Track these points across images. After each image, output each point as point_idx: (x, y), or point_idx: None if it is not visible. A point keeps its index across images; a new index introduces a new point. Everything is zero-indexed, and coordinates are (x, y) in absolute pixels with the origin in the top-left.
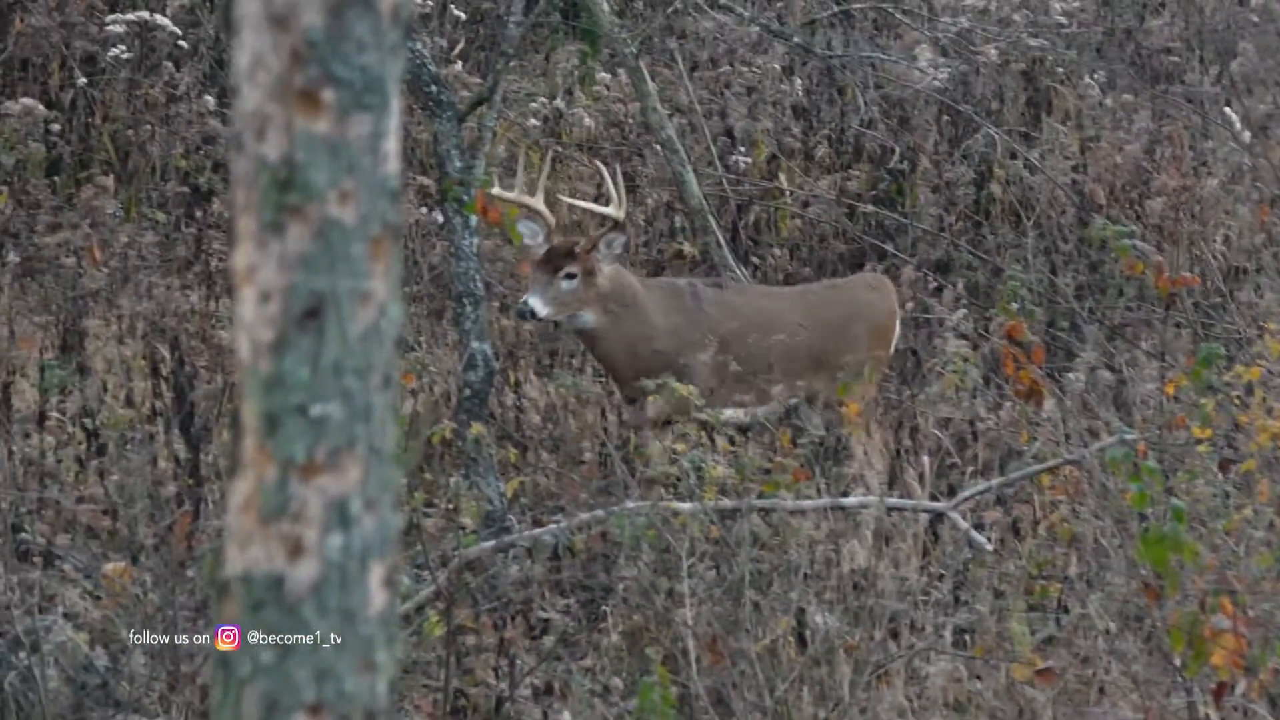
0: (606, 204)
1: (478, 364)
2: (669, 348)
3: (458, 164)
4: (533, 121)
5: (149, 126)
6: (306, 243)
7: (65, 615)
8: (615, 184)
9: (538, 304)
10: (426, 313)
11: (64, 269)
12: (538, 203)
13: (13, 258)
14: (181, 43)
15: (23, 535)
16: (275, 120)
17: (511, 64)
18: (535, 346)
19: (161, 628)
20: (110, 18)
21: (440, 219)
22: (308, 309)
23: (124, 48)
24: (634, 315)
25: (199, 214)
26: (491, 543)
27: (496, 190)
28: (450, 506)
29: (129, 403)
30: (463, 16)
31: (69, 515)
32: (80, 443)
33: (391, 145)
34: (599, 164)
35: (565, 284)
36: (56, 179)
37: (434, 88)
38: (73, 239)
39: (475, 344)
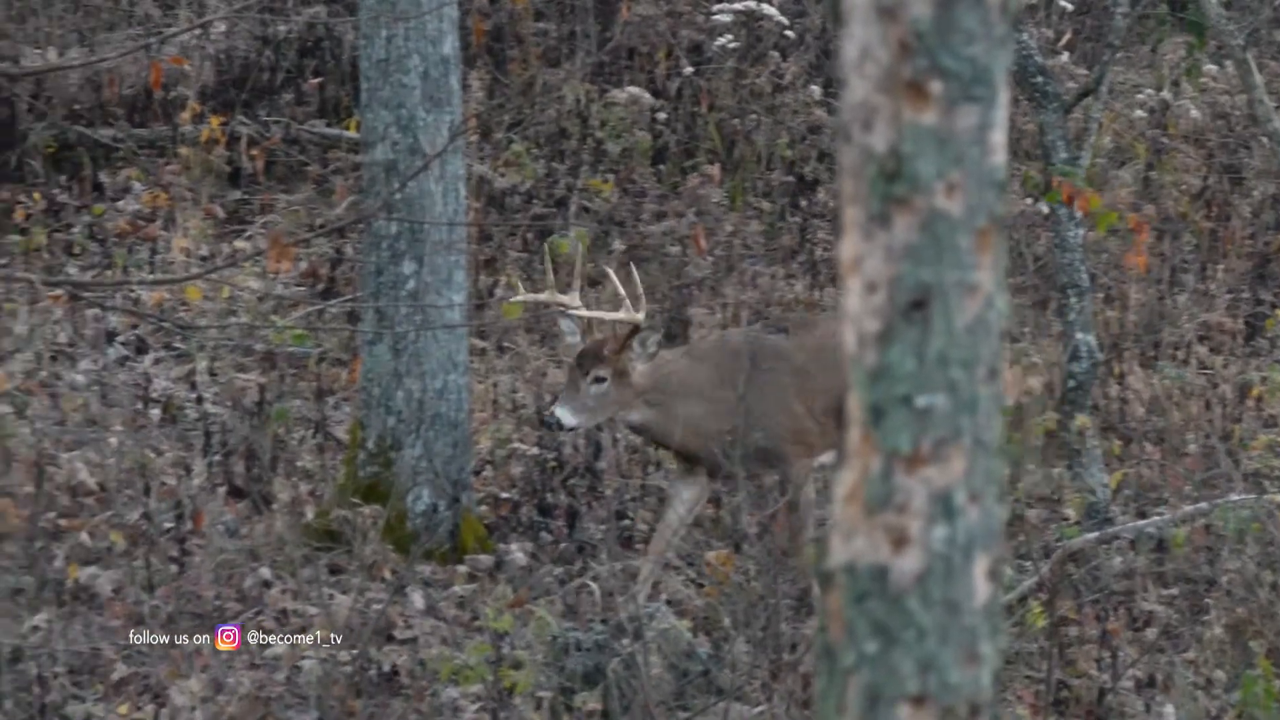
0: (633, 307)
1: (1082, 355)
2: (733, 423)
3: (1063, 155)
4: (1139, 113)
5: (754, 115)
6: (913, 234)
7: (668, 602)
8: (632, 284)
9: (565, 414)
10: (1031, 304)
11: (669, 256)
12: (572, 301)
13: (619, 245)
14: (788, 32)
15: (626, 522)
16: (882, 111)
17: (1118, 55)
18: (1139, 339)
19: (764, 616)
20: (717, 6)
21: (1045, 210)
22: (914, 300)
23: (730, 37)
24: (683, 399)
25: (804, 203)
26: (1095, 534)
27: (522, 296)
28: (1054, 498)
29: None
30: (1069, 7)
31: None
32: None
33: (998, 137)
34: (608, 270)
35: (595, 388)
36: (662, 167)
37: (1040, 79)
38: (678, 227)
39: (1079, 335)
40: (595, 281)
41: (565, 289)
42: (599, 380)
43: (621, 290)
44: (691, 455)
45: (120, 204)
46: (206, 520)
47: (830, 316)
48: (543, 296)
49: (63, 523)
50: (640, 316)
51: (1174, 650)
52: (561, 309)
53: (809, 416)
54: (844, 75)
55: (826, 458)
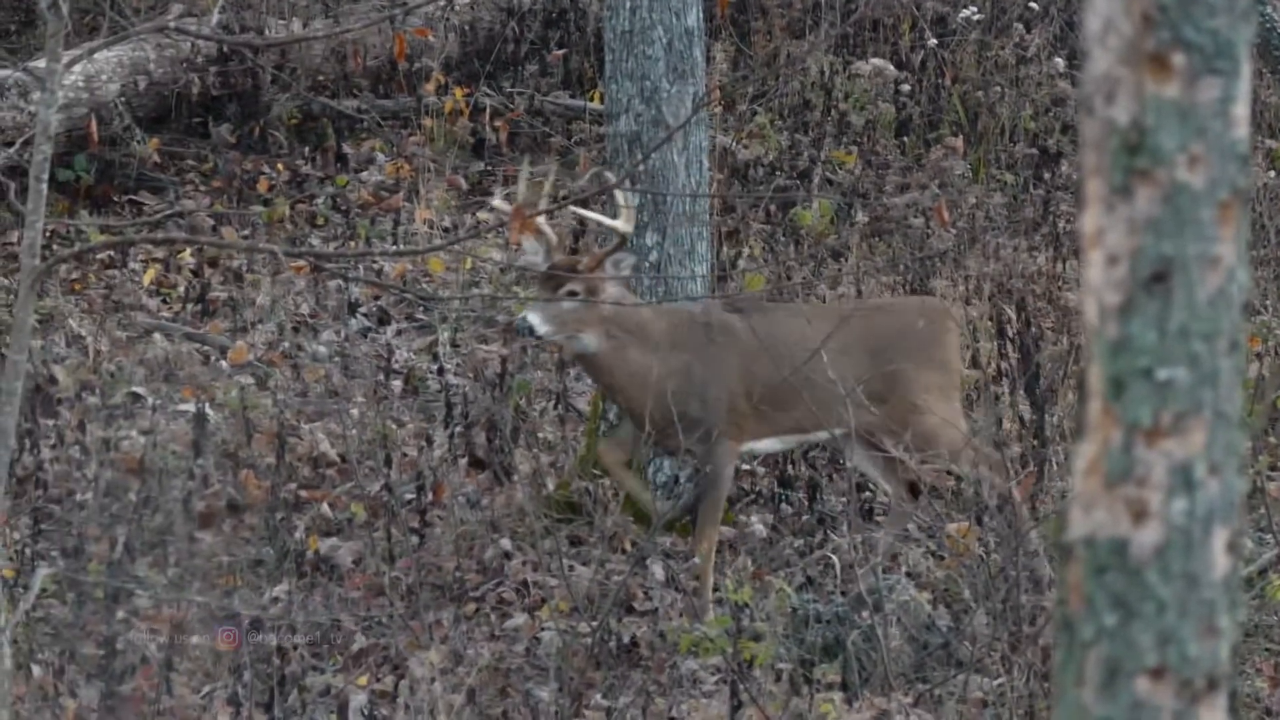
0: (615, 218)
1: None
2: (675, 385)
3: None
4: None
5: (998, 88)
6: (1155, 206)
7: (908, 574)
8: (624, 197)
9: (537, 321)
10: (1272, 276)
11: (912, 229)
12: (540, 218)
13: (861, 217)
14: (1032, 4)
15: (867, 494)
16: (1125, 84)
17: None
18: None
19: (1004, 589)
20: None
21: None
22: (1155, 273)
23: (975, 9)
24: (638, 343)
25: (1047, 176)
26: None
27: (497, 202)
28: None
29: (974, 363)
30: None
31: None
32: None
33: (1241, 110)
34: (607, 174)
35: (567, 303)
36: (905, 139)
37: None
38: (921, 199)
39: None
40: (838, 253)
41: (536, 203)
42: (572, 294)
43: (622, 200)
44: (628, 404)
45: (363, 175)
46: (447, 492)
47: (786, 306)
48: (508, 207)
49: (304, 494)
50: (628, 228)
51: None
52: (546, 209)
53: (745, 399)
54: (1087, 47)
55: (764, 444)
